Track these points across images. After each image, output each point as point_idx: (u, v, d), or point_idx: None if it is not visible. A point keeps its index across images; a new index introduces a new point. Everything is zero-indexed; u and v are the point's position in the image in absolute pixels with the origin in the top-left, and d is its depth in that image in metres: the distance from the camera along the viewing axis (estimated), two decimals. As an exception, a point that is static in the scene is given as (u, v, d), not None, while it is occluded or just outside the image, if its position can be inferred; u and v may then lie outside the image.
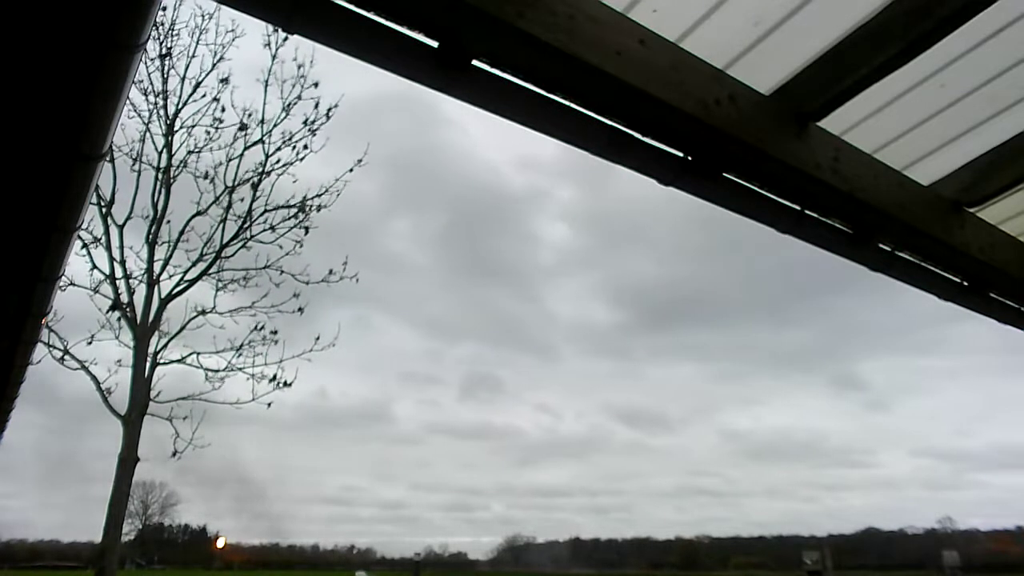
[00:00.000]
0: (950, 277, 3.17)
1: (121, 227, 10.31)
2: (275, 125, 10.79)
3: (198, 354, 10.72)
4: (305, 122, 10.87)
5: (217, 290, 10.91)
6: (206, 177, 10.65)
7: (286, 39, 10.65)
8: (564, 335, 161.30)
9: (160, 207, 10.62)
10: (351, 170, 11.44)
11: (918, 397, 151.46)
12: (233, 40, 10.81)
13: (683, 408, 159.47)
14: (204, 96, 10.66)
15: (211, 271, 10.79)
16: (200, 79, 10.65)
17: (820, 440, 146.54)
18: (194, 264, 10.68)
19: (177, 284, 10.62)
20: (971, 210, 3.02)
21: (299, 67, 10.80)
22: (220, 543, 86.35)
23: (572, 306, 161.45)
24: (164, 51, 10.49)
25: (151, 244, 10.55)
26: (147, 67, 10.46)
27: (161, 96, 10.58)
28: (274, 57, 10.71)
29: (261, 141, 10.75)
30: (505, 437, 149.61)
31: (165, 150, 10.59)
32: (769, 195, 2.52)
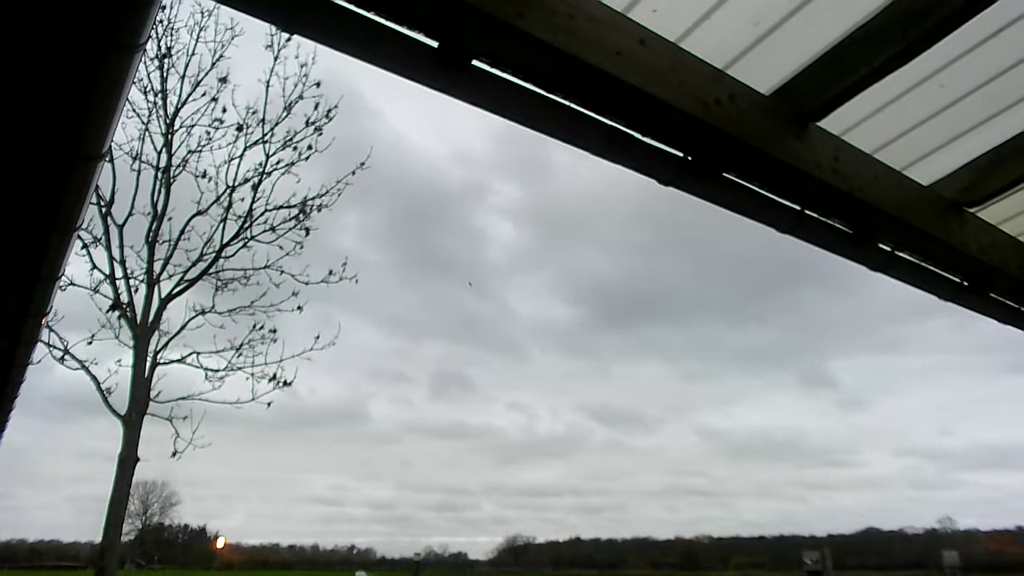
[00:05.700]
0: (950, 277, 3.17)
1: (121, 227, 10.31)
2: (276, 124, 10.81)
3: (198, 354, 10.74)
4: (307, 122, 10.88)
5: (217, 290, 10.93)
6: (206, 177, 10.66)
7: (288, 39, 10.66)
8: (526, 333, 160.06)
9: (160, 207, 10.63)
10: (353, 172, 11.45)
11: (892, 395, 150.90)
12: (232, 39, 10.83)
13: (657, 407, 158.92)
14: (204, 95, 10.68)
15: (211, 271, 10.81)
16: (200, 78, 10.67)
17: (799, 439, 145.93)
18: (194, 264, 10.69)
19: (177, 284, 10.63)
20: (971, 210, 3.02)
21: (302, 66, 10.82)
22: (220, 543, 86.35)
23: (530, 304, 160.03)
24: (164, 51, 10.51)
25: (151, 244, 10.55)
26: (147, 67, 10.47)
27: (161, 95, 10.59)
28: (276, 58, 10.73)
29: (262, 141, 10.76)
30: (483, 436, 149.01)
31: (165, 150, 10.60)
32: (769, 195, 2.52)
